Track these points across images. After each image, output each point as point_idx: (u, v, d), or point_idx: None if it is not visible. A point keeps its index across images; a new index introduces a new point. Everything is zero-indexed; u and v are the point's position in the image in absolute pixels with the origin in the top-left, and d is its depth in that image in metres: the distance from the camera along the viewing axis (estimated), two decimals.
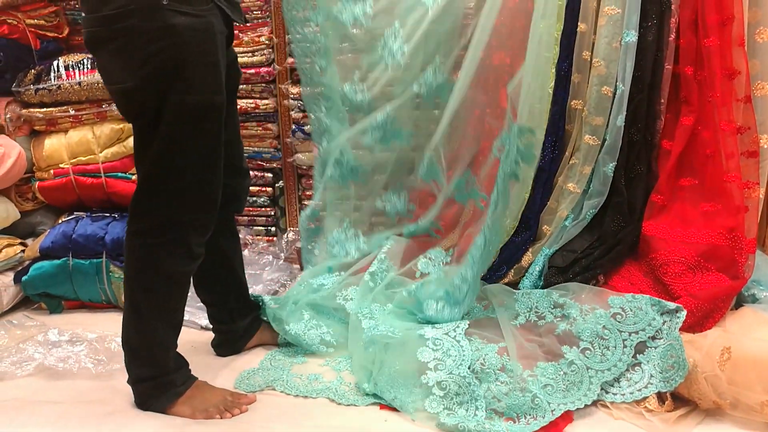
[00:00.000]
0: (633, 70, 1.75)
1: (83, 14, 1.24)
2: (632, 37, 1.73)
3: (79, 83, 2.07)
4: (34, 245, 2.06)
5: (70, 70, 2.09)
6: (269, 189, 2.35)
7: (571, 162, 1.88)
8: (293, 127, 2.24)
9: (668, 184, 1.78)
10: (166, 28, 1.17)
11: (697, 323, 1.53)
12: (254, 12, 2.20)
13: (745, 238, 1.64)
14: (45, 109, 2.11)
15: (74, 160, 2.13)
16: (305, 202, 2.33)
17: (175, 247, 1.32)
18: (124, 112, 1.34)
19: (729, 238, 1.64)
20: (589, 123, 1.82)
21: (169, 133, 1.24)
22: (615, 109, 1.78)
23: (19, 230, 2.20)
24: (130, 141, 2.12)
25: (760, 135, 1.71)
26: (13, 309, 2.05)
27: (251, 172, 2.32)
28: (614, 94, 1.79)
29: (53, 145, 2.14)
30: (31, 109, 2.11)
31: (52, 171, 2.14)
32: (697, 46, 1.71)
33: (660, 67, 1.77)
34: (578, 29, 1.81)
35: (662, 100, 1.80)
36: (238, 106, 2.21)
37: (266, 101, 2.24)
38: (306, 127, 2.20)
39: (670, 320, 1.47)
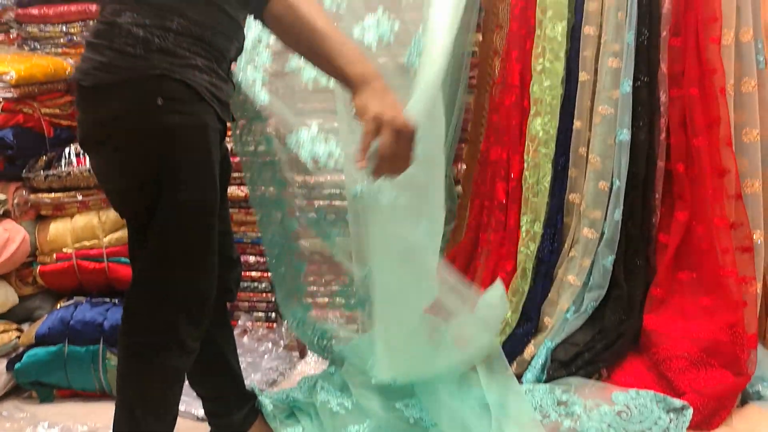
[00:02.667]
0: (628, 166, 1.82)
1: (78, 115, 1.25)
2: (625, 135, 1.81)
3: (89, 170, 2.12)
4: (30, 331, 2.04)
5: (81, 156, 2.15)
6: (270, 274, 2.36)
7: (570, 254, 1.91)
8: (297, 214, 2.28)
9: (667, 277, 1.81)
10: (161, 128, 1.17)
11: (704, 421, 1.51)
12: None
13: (746, 333, 1.65)
14: (53, 195, 2.15)
15: (78, 245, 2.14)
16: (307, 288, 2.33)
17: (169, 343, 1.29)
18: (118, 211, 1.34)
19: (730, 333, 1.65)
20: (587, 216, 1.87)
21: (162, 231, 1.22)
22: (612, 203, 1.84)
23: (16, 315, 2.18)
24: None
25: (753, 231, 1.75)
26: (5, 397, 2.00)
27: (252, 258, 2.34)
28: (610, 189, 1.85)
29: (58, 229, 2.16)
30: (39, 194, 2.15)
31: (54, 255, 2.15)
32: (687, 145, 1.79)
33: (653, 164, 1.85)
34: (574, 126, 1.90)
35: (657, 195, 1.86)
36: (243, 193, 2.28)
37: (271, 188, 2.29)
38: (309, 214, 2.24)
39: (677, 418, 1.45)
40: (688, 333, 1.71)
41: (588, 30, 1.85)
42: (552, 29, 1.85)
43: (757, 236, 1.76)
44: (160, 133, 1.17)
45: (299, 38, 1.19)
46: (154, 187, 1.19)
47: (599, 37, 1.85)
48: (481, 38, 2.06)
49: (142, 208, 1.21)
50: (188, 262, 1.27)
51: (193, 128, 1.20)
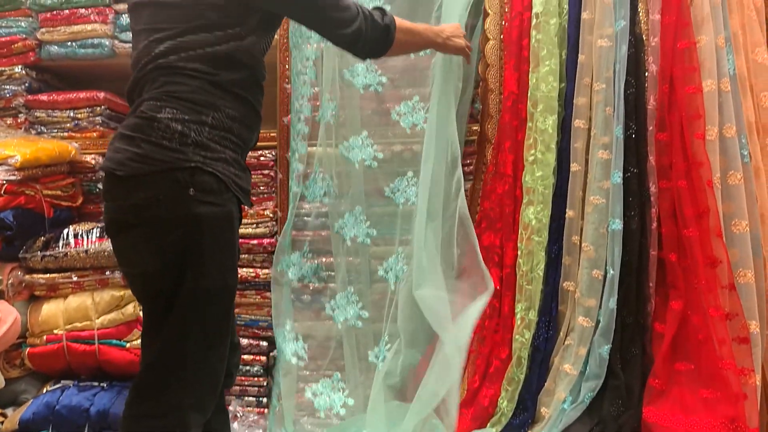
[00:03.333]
0: (621, 255, 1.84)
1: (107, 202, 1.31)
2: (618, 225, 1.84)
3: (86, 251, 2.13)
4: (14, 417, 1.99)
5: (79, 238, 2.17)
6: (263, 358, 2.32)
7: (566, 342, 1.90)
8: (292, 296, 2.28)
9: (664, 368, 1.79)
10: (191, 216, 1.23)
11: None
12: (261, 188, 2.34)
13: (748, 427, 1.62)
14: (48, 275, 2.15)
15: (69, 326, 2.12)
16: (299, 373, 2.29)
17: (174, 429, 1.27)
18: (139, 294, 1.37)
19: (731, 428, 1.61)
20: (582, 305, 1.87)
21: (181, 316, 1.25)
22: (606, 291, 1.84)
23: (1, 398, 2.13)
24: (129, 308, 2.13)
25: (749, 321, 1.75)
26: None
27: (245, 341, 2.31)
28: (604, 277, 1.86)
29: (50, 310, 2.15)
30: (34, 275, 2.15)
31: (45, 337, 2.12)
32: (678, 236, 1.82)
33: (646, 253, 1.86)
34: (566, 215, 1.93)
35: (651, 284, 1.87)
36: (239, 275, 2.28)
37: (266, 270, 2.29)
38: (304, 297, 2.24)
39: None
40: (689, 427, 1.67)
41: (578, 123, 1.91)
42: (543, 122, 1.92)
43: (753, 327, 1.75)
44: (190, 221, 1.23)
45: (409, 45, 1.60)
46: (178, 272, 1.24)
47: (589, 129, 1.92)
48: (479, 128, 2.13)
49: (163, 292, 1.26)
50: (205, 349, 1.29)
51: (220, 217, 1.28)
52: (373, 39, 1.44)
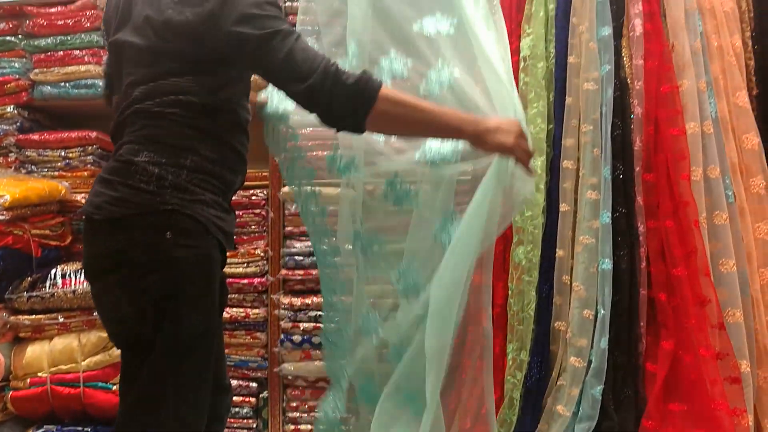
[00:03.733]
0: (611, 294, 1.85)
1: (85, 246, 1.28)
2: (607, 264, 1.86)
3: (74, 291, 2.11)
4: None
5: (67, 278, 2.14)
6: (252, 399, 2.29)
7: (558, 383, 1.88)
8: (282, 336, 2.26)
9: (658, 408, 1.78)
10: (168, 260, 1.21)
11: None
12: (252, 227, 2.34)
13: None
14: (34, 317, 2.12)
15: (54, 369, 2.08)
16: (289, 414, 2.26)
17: None
18: (116, 340, 1.33)
19: None
20: (574, 345, 1.87)
21: (159, 362, 1.22)
22: (598, 331, 1.84)
23: None
24: (115, 350, 2.10)
25: (739, 360, 1.75)
26: None
27: (235, 382, 2.28)
28: (595, 317, 1.86)
29: (35, 352, 2.11)
30: (20, 316, 2.12)
31: (28, 380, 2.08)
32: (667, 275, 1.83)
33: (636, 293, 1.87)
34: (556, 255, 1.94)
35: (642, 324, 1.87)
36: (229, 315, 2.27)
37: (257, 310, 2.28)
38: (294, 337, 2.22)
39: None
40: None
41: (566, 164, 1.94)
42: (532, 163, 1.94)
43: (744, 366, 1.75)
44: (168, 265, 1.21)
45: (408, 123, 1.25)
46: (157, 316, 1.21)
47: (577, 170, 1.95)
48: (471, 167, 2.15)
49: (141, 338, 1.22)
50: (183, 396, 1.25)
51: (199, 260, 1.24)
52: (336, 102, 1.20)
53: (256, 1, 1.21)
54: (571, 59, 1.98)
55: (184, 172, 1.23)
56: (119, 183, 1.22)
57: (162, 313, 1.21)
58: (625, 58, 1.96)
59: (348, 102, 1.20)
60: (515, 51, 2.02)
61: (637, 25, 1.92)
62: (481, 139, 1.25)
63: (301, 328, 2.21)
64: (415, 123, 1.25)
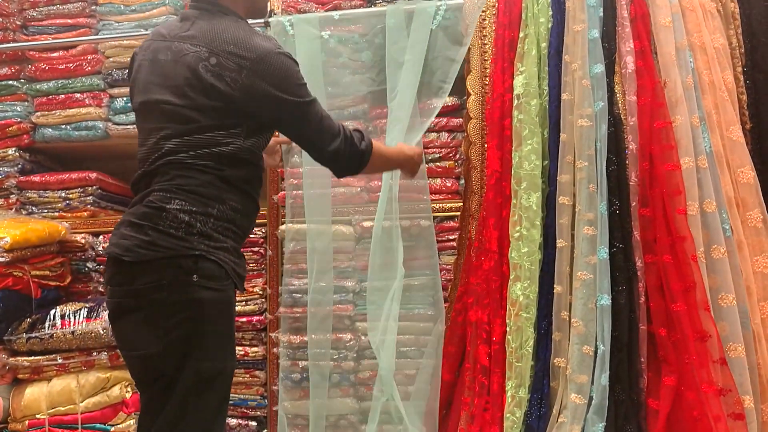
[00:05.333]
0: (611, 330, 1.83)
1: (111, 287, 1.35)
2: (606, 300, 1.85)
3: (73, 332, 2.11)
4: None
5: (66, 318, 2.15)
6: None
7: (559, 420, 1.86)
8: (281, 374, 2.24)
9: None
10: (193, 301, 1.29)
11: None
12: (251, 264, 2.35)
13: None
14: (33, 358, 2.12)
15: (52, 410, 2.07)
16: None
17: None
18: (138, 378, 1.39)
19: None
20: (574, 381, 1.85)
21: (182, 398, 1.28)
22: (598, 368, 1.82)
23: None
24: (114, 390, 2.09)
25: (742, 396, 1.73)
26: None
27: (235, 421, 2.26)
28: (595, 353, 1.84)
29: (34, 394, 2.10)
30: (19, 358, 2.12)
31: (27, 422, 2.07)
32: (667, 310, 1.82)
33: (635, 328, 1.85)
34: (555, 291, 1.93)
35: (642, 359, 1.85)
36: None
37: (256, 348, 2.28)
38: (294, 375, 2.20)
39: None
40: None
41: (562, 200, 1.95)
42: (527, 199, 1.95)
43: (748, 402, 1.73)
44: (193, 305, 1.29)
45: (377, 168, 1.73)
46: (179, 355, 1.28)
47: (573, 206, 1.95)
48: (462, 204, 2.17)
49: (164, 375, 1.30)
50: (205, 427, 1.32)
51: (221, 302, 1.35)
52: (349, 160, 1.50)
53: (290, 68, 1.39)
54: (564, 96, 2.00)
55: (211, 220, 1.34)
56: (150, 228, 1.30)
57: (185, 352, 1.28)
58: (618, 95, 1.98)
59: (357, 163, 1.52)
60: (508, 89, 2.05)
61: (629, 62, 1.95)
62: (409, 169, 1.74)
63: (300, 366, 2.20)
64: (383, 167, 1.77)
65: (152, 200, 1.32)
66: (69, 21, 2.43)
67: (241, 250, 2.31)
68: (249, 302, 2.29)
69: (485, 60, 2.17)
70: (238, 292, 1.43)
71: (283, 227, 2.21)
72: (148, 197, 1.33)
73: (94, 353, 2.12)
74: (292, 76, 1.39)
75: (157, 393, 1.31)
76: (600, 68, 1.96)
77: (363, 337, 2.30)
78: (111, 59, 2.39)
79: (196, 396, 1.29)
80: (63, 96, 2.37)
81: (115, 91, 2.43)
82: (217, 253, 1.32)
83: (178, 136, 1.34)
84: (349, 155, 1.48)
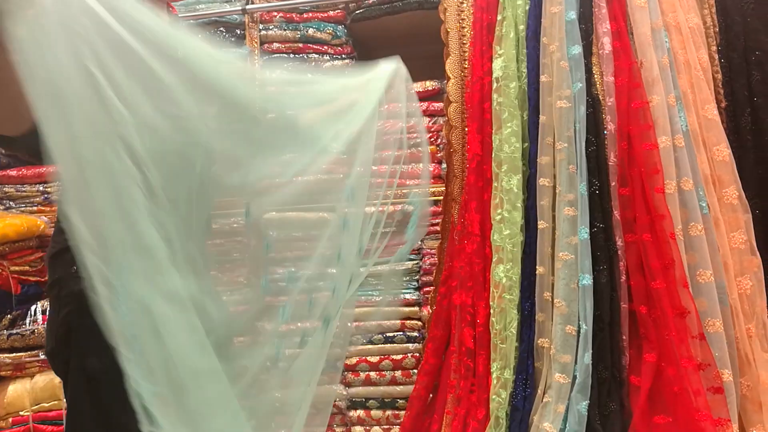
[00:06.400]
0: (593, 309, 1.86)
1: None
2: (587, 280, 1.87)
3: None
4: None
5: (47, 314, 2.12)
6: None
7: (544, 400, 1.88)
8: (268, 363, 2.24)
9: (643, 422, 1.78)
10: (72, 294, 1.24)
11: None
12: (234, 254, 2.33)
13: None
14: (14, 354, 2.10)
15: (36, 407, 2.06)
16: None
17: None
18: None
19: None
20: (558, 361, 1.87)
21: (71, 397, 1.28)
22: (581, 347, 1.84)
23: None
24: None
25: (721, 370, 1.76)
26: None
27: None
28: (578, 332, 1.87)
29: (17, 390, 2.09)
30: (1, 355, 2.10)
31: (10, 419, 2.05)
32: (647, 288, 1.85)
33: (617, 307, 1.88)
34: (537, 272, 1.95)
35: (624, 337, 1.88)
36: None
37: (240, 339, 2.26)
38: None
39: None
40: None
41: (543, 181, 1.96)
42: (508, 182, 1.96)
43: (726, 376, 1.76)
44: (72, 300, 1.25)
45: None
46: (66, 351, 1.27)
47: (554, 187, 1.97)
48: (444, 188, 2.18)
49: (59, 371, 1.30)
50: None
51: None
52: None
53: None
54: (543, 78, 2.01)
55: None
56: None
57: (69, 349, 1.28)
58: (596, 76, 2.00)
59: None
60: (487, 72, 2.05)
61: (606, 43, 1.96)
62: None
63: (287, 354, 2.20)
64: None
65: None
66: None
67: (225, 240, 2.33)
68: (234, 292, 2.27)
69: (464, 44, 2.17)
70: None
71: (266, 216, 2.20)
72: None
73: None
74: None
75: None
76: (578, 49, 1.97)
77: (348, 324, 2.31)
78: None
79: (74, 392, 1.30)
80: None
81: None
82: None
83: None
84: None
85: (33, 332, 2.07)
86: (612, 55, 1.96)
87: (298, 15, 2.59)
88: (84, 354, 1.25)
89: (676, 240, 1.81)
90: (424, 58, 2.38)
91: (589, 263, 1.88)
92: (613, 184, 1.92)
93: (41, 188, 2.34)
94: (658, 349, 1.81)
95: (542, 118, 2.00)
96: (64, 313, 1.27)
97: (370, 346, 2.37)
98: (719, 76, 1.98)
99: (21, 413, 2.04)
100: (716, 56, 1.99)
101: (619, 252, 1.90)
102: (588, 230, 1.89)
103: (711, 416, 1.69)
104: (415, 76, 2.46)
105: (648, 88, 1.91)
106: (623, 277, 1.90)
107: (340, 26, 2.58)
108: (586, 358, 1.83)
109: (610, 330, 1.87)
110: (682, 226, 1.84)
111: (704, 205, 1.86)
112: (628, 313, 1.89)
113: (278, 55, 2.57)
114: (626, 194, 1.91)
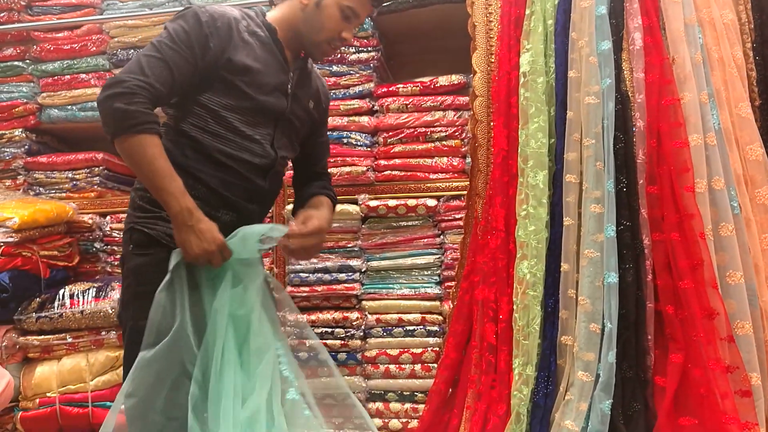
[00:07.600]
0: (618, 308, 1.83)
1: None
2: (613, 278, 1.84)
3: (82, 311, 2.12)
4: None
5: (75, 298, 2.16)
6: None
7: (566, 398, 1.87)
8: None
9: (668, 423, 1.75)
10: (128, 270, 1.44)
11: None
12: None
13: None
14: (42, 337, 2.14)
15: (63, 389, 2.10)
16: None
17: None
18: None
19: None
20: (581, 359, 1.85)
21: (125, 350, 1.42)
22: (605, 345, 1.82)
23: None
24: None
25: (750, 374, 1.73)
26: None
27: None
28: (602, 330, 1.84)
29: (44, 372, 2.12)
30: (29, 337, 2.14)
31: (37, 400, 2.09)
32: (674, 287, 1.81)
33: (642, 306, 1.85)
34: (561, 269, 1.93)
35: (649, 337, 1.85)
36: None
37: None
38: (300, 354, 2.21)
39: None
40: None
41: (569, 178, 1.94)
42: (534, 177, 1.94)
43: (755, 379, 1.73)
44: (128, 274, 1.45)
45: (135, 166, 1.35)
46: (125, 314, 1.45)
47: (580, 184, 1.94)
48: (468, 183, 2.16)
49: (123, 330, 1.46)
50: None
51: (148, 266, 1.41)
52: (103, 112, 1.30)
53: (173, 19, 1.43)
54: (571, 73, 1.99)
55: (148, 194, 1.41)
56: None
57: (127, 313, 1.44)
58: (625, 72, 1.96)
59: (107, 123, 1.32)
60: (514, 66, 2.03)
61: (637, 38, 1.93)
62: (177, 226, 1.33)
63: (308, 345, 2.21)
64: (142, 174, 1.34)
65: None
66: (73, 1, 2.42)
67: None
68: None
69: (491, 38, 2.15)
70: None
71: (289, 207, 2.21)
72: None
73: (103, 332, 2.14)
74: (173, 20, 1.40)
75: None
76: (607, 45, 1.94)
77: (369, 316, 2.32)
78: (116, 39, 2.39)
79: (130, 355, 1.36)
80: (68, 76, 2.37)
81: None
82: (145, 224, 1.43)
83: None
84: (102, 107, 1.29)
85: (61, 315, 2.11)
86: (643, 50, 1.92)
87: None
88: (136, 318, 1.38)
89: (705, 240, 1.78)
90: (451, 52, 2.37)
91: (614, 261, 1.85)
92: (641, 181, 1.89)
93: (70, 175, 2.38)
94: (685, 350, 1.78)
95: (570, 114, 1.97)
96: (125, 286, 1.45)
97: (390, 339, 2.37)
98: (754, 73, 1.94)
99: (48, 395, 2.08)
100: (751, 53, 1.95)
101: (646, 251, 1.87)
102: (614, 228, 1.86)
103: (738, 419, 1.66)
104: (442, 70, 2.47)
105: (680, 85, 1.87)
106: (649, 276, 1.87)
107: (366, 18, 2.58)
108: (610, 356, 1.81)
109: (635, 329, 1.84)
110: (712, 226, 1.81)
111: (735, 205, 1.82)
112: (654, 313, 1.86)
113: None
114: (654, 192, 1.88)
